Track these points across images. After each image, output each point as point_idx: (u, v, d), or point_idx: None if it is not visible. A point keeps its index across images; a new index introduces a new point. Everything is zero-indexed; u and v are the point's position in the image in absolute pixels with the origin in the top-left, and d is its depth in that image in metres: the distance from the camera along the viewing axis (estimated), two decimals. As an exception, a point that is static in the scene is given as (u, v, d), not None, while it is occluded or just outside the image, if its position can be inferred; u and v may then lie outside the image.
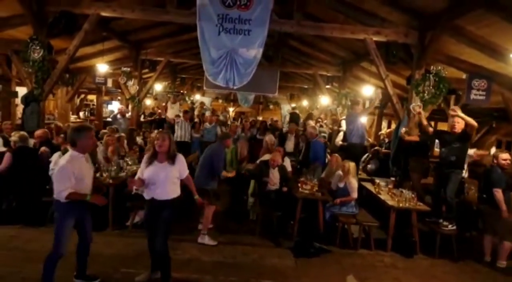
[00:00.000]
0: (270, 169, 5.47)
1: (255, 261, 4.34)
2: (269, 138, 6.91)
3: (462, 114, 4.75)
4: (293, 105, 16.04)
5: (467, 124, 4.73)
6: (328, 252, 4.63)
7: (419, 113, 5.64)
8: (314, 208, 5.00)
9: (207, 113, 11.27)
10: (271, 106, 18.02)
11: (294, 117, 12.08)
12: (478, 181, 4.99)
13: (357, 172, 6.37)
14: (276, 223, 5.20)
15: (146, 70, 10.41)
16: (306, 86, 14.43)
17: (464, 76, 6.57)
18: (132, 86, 9.52)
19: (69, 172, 2.98)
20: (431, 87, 6.10)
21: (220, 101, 17.98)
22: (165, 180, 3.30)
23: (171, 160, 3.33)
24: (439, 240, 4.70)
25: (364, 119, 7.31)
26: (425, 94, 6.12)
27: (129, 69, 9.33)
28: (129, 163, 5.55)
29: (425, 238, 4.88)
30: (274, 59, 11.10)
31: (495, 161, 4.60)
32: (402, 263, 4.54)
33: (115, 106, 16.40)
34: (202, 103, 13.93)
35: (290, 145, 8.08)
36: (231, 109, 18.06)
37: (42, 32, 5.83)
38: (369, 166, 6.83)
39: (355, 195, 4.90)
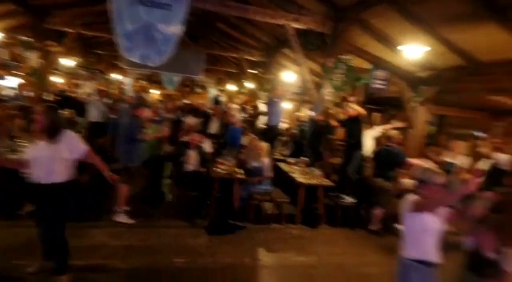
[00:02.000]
0: (188, 149, 5.38)
1: (169, 242, 4.28)
2: (190, 120, 6.76)
3: (353, 105, 5.47)
4: (220, 89, 15.96)
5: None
6: (243, 229, 4.80)
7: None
8: (231, 187, 5.10)
9: (127, 94, 10.49)
10: (198, 90, 17.61)
11: (217, 101, 12.03)
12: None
13: (273, 153, 6.69)
14: (192, 204, 5.17)
15: (52, 42, 9.18)
16: (233, 71, 14.43)
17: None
18: (34, 59, 8.32)
19: None
20: (341, 75, 6.67)
21: (144, 82, 16.87)
22: (46, 160, 2.90)
23: (52, 137, 2.91)
24: (340, 212, 5.25)
25: (283, 104, 7.64)
26: (336, 82, 6.66)
27: (28, 39, 8.12)
28: (22, 144, 4.88)
29: (329, 211, 5.39)
30: (200, 40, 10.82)
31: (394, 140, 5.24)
32: (308, 234, 4.97)
33: (11, 82, 14.20)
34: (121, 84, 12.89)
35: (214, 127, 8.05)
36: (155, 91, 17.11)
37: None
38: (286, 148, 7.20)
39: (269, 173, 5.14)
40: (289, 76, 8.88)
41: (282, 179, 5.84)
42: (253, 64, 11.53)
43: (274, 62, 10.70)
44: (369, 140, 6.33)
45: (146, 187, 5.93)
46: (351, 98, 5.59)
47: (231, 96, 12.94)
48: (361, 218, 5.46)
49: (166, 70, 10.12)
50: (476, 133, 6.65)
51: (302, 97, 11.50)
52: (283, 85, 8.76)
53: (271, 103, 7.21)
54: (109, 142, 6.95)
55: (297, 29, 6.85)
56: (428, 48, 5.04)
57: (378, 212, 5.09)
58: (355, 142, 5.36)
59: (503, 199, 5.00)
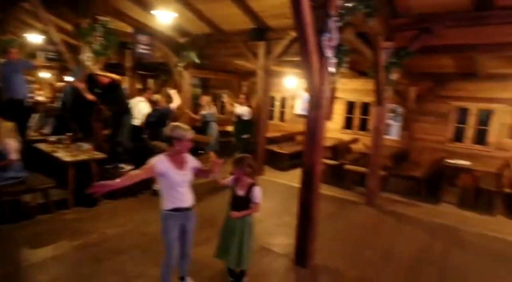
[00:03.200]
0: None
1: None
2: None
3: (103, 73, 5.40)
4: None
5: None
6: (-6, 233, 3.83)
7: None
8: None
9: None
10: None
11: None
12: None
13: (28, 133, 5.55)
14: None
15: None
16: None
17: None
18: None
19: None
20: (100, 39, 6.08)
21: None
22: None
23: None
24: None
25: (32, 71, 6.25)
26: (96, 46, 6.04)
27: None
28: None
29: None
30: None
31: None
32: (86, 214, 4.59)
33: None
34: None
35: None
36: None
37: None
38: (44, 125, 6.09)
39: (14, 156, 4.15)
40: (36, 37, 7.26)
41: (43, 162, 4.96)
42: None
43: (12, 18, 8.41)
44: (140, 106, 6.35)
45: None
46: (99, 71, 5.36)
47: None
48: (145, 182, 5.55)
49: None
50: (220, 93, 8.14)
51: (62, 63, 9.87)
52: (26, 47, 7.11)
53: (7, 71, 5.69)
54: None
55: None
56: (175, 14, 5.38)
57: None
58: (120, 108, 5.21)
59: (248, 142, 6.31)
